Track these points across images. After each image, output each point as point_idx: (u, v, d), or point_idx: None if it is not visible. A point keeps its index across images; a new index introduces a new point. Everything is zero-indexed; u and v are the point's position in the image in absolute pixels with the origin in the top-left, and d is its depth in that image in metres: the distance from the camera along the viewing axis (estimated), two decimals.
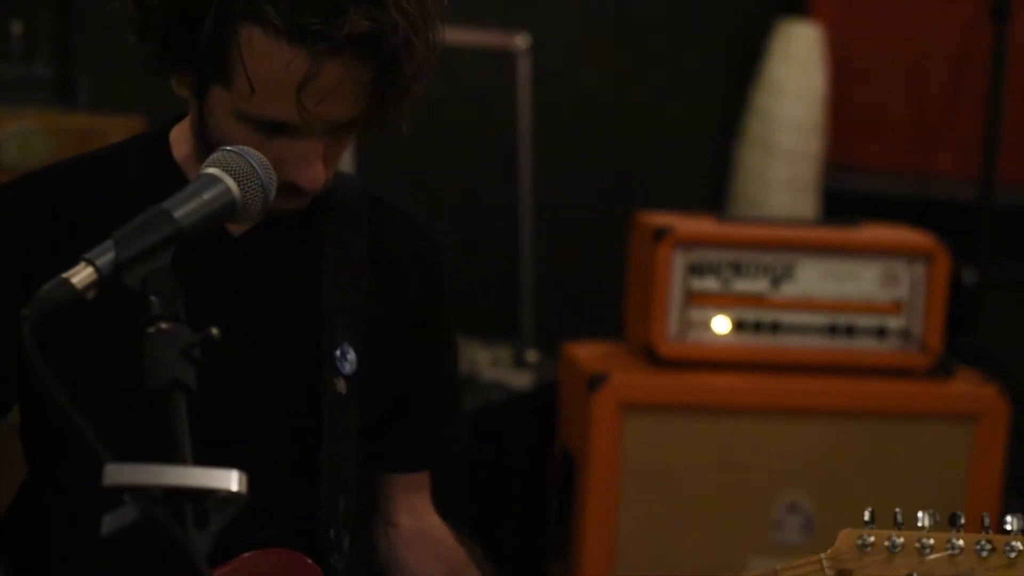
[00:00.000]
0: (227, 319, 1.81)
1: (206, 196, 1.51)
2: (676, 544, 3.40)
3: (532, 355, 4.23)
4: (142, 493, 1.28)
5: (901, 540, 1.75)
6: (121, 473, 1.28)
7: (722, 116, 5.37)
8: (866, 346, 3.54)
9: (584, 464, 3.43)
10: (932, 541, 1.74)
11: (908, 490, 3.42)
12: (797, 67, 5.26)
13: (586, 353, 3.63)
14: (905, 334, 3.53)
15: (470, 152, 4.67)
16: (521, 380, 4.01)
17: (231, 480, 1.31)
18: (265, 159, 1.59)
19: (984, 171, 4.03)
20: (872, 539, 1.75)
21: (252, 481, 1.77)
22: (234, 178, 1.54)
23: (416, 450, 2.03)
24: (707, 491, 3.43)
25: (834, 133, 5.42)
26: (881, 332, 3.53)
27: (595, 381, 3.38)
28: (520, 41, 4.47)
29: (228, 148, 1.58)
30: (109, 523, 1.30)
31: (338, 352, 1.84)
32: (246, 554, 1.78)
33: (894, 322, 3.53)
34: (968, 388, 3.54)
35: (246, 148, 1.59)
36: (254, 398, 1.83)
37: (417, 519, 2.05)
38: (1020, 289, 4.50)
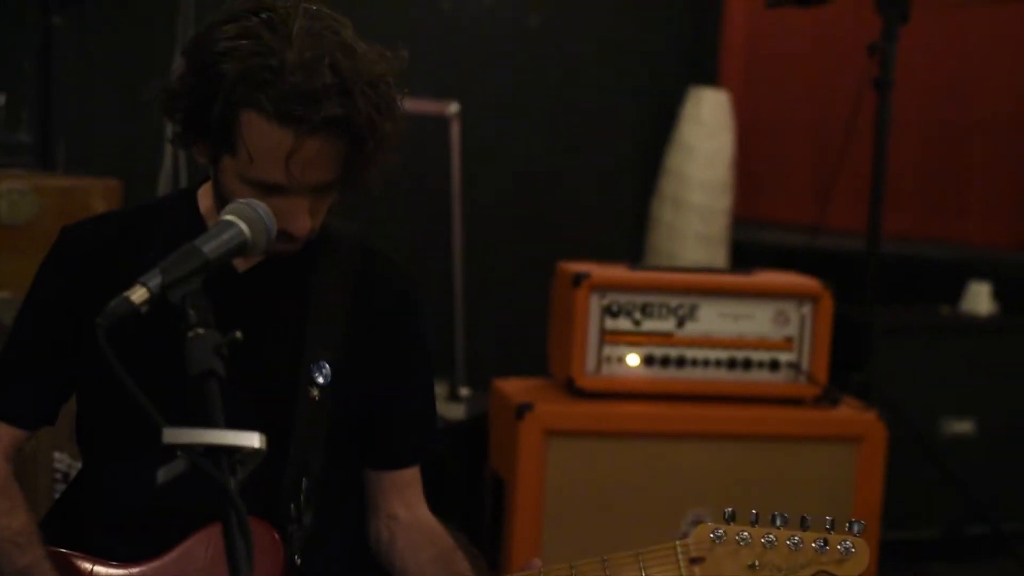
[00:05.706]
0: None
1: (225, 236, 1.94)
2: (595, 556, 3.73)
3: (464, 390, 4.57)
4: (190, 449, 1.68)
5: (749, 535, 2.04)
6: (175, 434, 1.68)
7: (639, 176, 5.67)
8: (761, 378, 3.90)
9: (512, 485, 3.77)
10: (775, 537, 2.04)
11: (800, 504, 3.71)
12: (707, 130, 5.58)
13: (513, 387, 3.98)
14: (795, 367, 3.91)
15: (408, 209, 4.90)
16: (455, 412, 4.36)
17: (255, 439, 1.71)
18: (268, 208, 2.01)
19: (871, 224, 4.33)
20: (724, 533, 2.05)
21: None
22: (245, 222, 1.97)
23: (400, 449, 2.38)
24: (622, 508, 3.77)
25: (741, 190, 5.74)
26: (774, 365, 3.90)
27: (522, 410, 3.74)
28: (452, 108, 4.80)
29: (241, 200, 2.01)
30: (163, 474, 1.69)
31: (315, 366, 2.24)
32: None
33: (785, 356, 3.90)
34: (851, 414, 3.92)
35: (253, 200, 2.02)
36: (241, 401, 2.18)
37: (411, 510, 2.39)
38: (904, 330, 4.81)
